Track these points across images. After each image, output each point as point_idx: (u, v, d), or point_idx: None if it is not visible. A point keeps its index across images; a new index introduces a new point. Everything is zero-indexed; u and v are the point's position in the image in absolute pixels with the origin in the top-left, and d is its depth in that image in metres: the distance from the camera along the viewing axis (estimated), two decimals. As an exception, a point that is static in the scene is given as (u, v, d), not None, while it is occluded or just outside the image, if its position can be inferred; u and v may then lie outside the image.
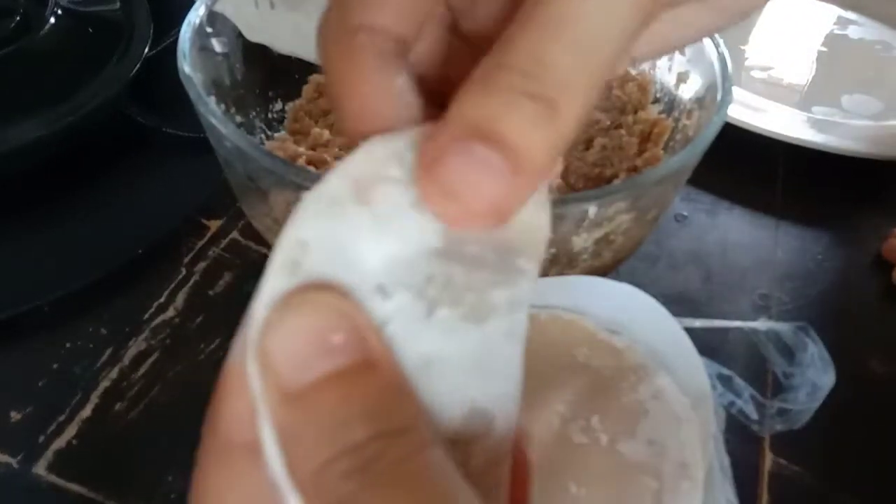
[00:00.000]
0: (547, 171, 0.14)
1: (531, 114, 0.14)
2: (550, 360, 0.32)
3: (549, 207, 0.16)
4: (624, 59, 0.18)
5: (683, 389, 0.32)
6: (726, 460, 0.34)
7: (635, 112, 0.46)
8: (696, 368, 0.32)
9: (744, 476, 0.35)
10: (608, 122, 0.47)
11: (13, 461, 0.35)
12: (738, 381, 0.38)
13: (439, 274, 0.14)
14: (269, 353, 0.13)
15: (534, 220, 0.15)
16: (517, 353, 0.15)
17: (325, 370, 0.13)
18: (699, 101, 0.41)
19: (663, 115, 0.45)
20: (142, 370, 0.39)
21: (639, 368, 0.32)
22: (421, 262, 0.14)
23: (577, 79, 0.14)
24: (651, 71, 0.46)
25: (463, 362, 0.14)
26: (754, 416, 0.38)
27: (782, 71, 0.64)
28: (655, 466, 0.29)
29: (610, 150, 0.46)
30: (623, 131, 0.46)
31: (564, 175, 0.45)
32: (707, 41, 0.40)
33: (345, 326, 0.13)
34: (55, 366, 0.38)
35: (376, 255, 0.14)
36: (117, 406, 0.37)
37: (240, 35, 0.43)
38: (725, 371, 0.38)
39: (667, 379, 0.32)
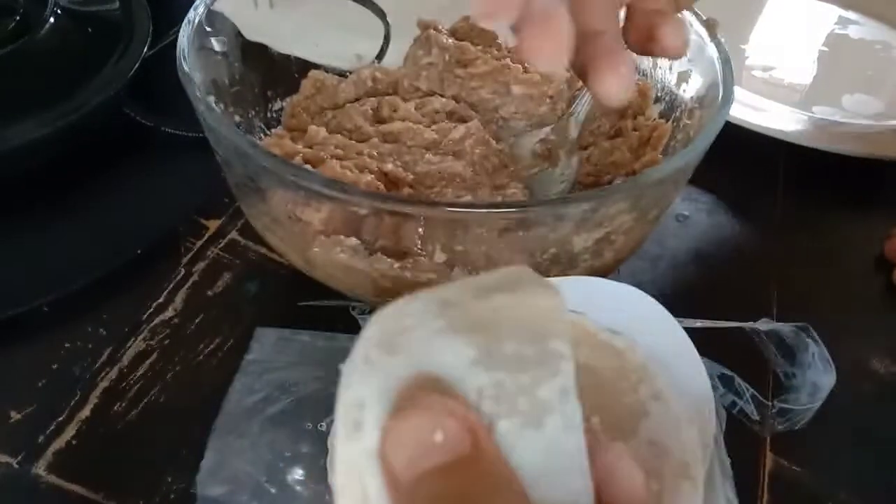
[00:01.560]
0: None
1: None
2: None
3: (558, 291, 0.16)
4: None
5: (684, 390, 0.32)
6: (727, 461, 0.34)
7: (635, 117, 0.46)
8: (696, 369, 0.32)
9: (744, 476, 0.34)
10: (608, 127, 0.47)
11: (13, 461, 0.35)
12: (739, 382, 0.38)
13: (487, 384, 0.15)
14: (386, 455, 0.15)
15: (548, 302, 0.16)
16: (578, 443, 0.15)
17: (427, 466, 0.15)
18: (700, 100, 0.41)
19: (662, 120, 0.45)
20: (141, 370, 0.39)
21: (639, 369, 0.32)
22: (467, 378, 0.15)
23: None
24: (652, 71, 0.46)
25: (533, 471, 0.15)
26: (755, 416, 0.38)
27: (783, 71, 0.64)
28: (656, 467, 0.29)
29: (609, 153, 0.46)
30: (623, 135, 0.46)
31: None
32: (708, 41, 0.40)
33: (447, 425, 0.15)
34: (55, 366, 0.38)
35: None
36: (117, 406, 0.37)
37: (239, 34, 0.43)
38: (726, 371, 0.38)
39: (668, 380, 0.32)
